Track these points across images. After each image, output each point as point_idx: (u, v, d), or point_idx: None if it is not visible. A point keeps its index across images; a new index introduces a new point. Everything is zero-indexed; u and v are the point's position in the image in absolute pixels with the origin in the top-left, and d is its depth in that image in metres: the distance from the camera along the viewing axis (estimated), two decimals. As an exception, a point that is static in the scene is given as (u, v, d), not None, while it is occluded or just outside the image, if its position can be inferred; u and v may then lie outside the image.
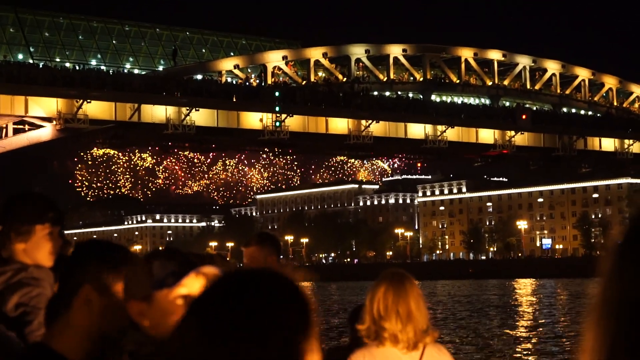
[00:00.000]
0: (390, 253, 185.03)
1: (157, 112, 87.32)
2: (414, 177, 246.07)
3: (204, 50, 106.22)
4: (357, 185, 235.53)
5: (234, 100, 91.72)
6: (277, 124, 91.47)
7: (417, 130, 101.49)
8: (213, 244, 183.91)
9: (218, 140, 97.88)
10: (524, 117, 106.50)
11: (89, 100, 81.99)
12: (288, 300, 1.50)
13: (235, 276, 1.52)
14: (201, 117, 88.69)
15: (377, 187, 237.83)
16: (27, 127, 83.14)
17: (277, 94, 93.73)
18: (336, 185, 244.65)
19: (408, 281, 4.78)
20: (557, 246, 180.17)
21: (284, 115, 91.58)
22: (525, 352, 32.80)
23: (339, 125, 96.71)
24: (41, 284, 3.88)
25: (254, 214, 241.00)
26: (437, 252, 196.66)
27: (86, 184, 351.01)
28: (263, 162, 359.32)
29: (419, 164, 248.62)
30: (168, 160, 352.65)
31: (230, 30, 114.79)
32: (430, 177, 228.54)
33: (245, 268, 1.57)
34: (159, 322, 3.06)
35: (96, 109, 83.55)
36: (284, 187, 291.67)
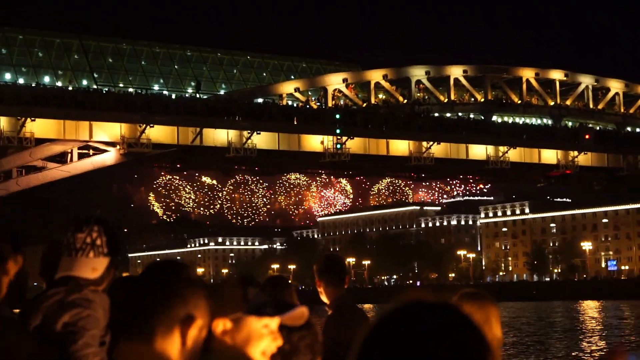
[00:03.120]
0: (453, 275, 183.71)
1: (219, 136, 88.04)
2: (476, 198, 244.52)
3: (264, 74, 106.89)
4: (418, 207, 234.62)
5: (295, 123, 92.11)
6: (338, 146, 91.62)
7: (478, 152, 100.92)
8: (275, 266, 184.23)
9: (279, 163, 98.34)
10: (587, 137, 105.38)
11: (151, 125, 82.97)
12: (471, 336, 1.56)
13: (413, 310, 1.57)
14: (262, 140, 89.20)
15: (438, 208, 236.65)
16: (91, 151, 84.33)
17: (337, 116, 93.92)
18: (398, 207, 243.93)
19: (480, 300, 4.71)
20: (622, 267, 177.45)
21: (344, 138, 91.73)
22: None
23: (400, 147, 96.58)
24: (92, 306, 3.99)
25: (315, 236, 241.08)
26: (500, 273, 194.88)
27: (153, 205, 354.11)
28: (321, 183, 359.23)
29: (480, 185, 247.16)
30: (230, 186, 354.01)
31: (290, 53, 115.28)
32: (492, 198, 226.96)
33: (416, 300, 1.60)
34: (239, 345, 3.11)
35: (159, 133, 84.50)
36: (351, 207, 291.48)
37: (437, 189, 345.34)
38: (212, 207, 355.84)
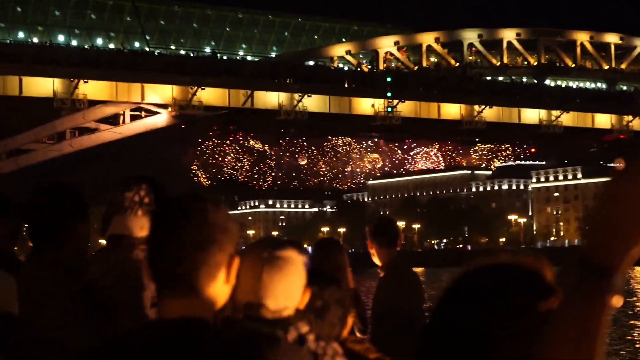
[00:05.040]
0: (504, 239, 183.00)
1: (270, 99, 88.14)
2: (528, 162, 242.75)
3: (315, 37, 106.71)
4: (469, 171, 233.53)
5: (346, 86, 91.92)
6: (389, 109, 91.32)
7: (531, 116, 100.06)
8: (325, 229, 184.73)
9: (330, 126, 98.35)
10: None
11: (203, 87, 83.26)
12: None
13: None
14: (313, 103, 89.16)
15: (489, 172, 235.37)
16: (143, 113, 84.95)
17: (388, 79, 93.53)
18: (448, 171, 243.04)
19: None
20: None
21: (395, 101, 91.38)
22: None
23: (451, 110, 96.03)
24: (141, 265, 3.96)
25: (366, 199, 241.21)
26: (552, 238, 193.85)
27: (199, 171, 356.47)
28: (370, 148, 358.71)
29: (533, 150, 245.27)
30: (280, 152, 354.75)
31: (342, 16, 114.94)
32: (544, 162, 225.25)
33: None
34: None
35: (210, 95, 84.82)
36: (402, 171, 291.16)
37: (488, 152, 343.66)
38: (261, 179, 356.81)
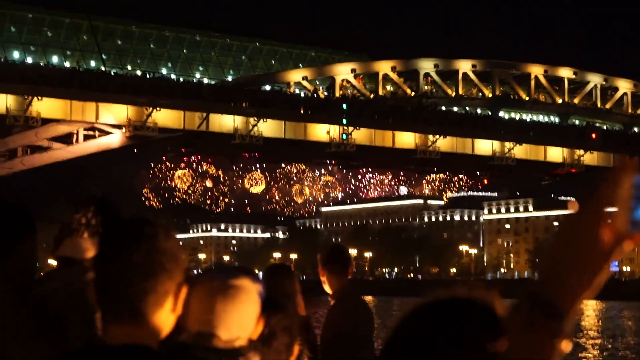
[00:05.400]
0: (454, 270, 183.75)
1: (225, 122, 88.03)
2: (480, 194, 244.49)
3: (273, 62, 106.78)
4: (422, 201, 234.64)
5: (302, 112, 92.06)
6: (344, 136, 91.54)
7: (484, 147, 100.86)
8: (277, 255, 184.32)
9: (285, 152, 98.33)
10: (593, 136, 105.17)
11: (158, 108, 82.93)
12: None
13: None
14: (269, 128, 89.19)
15: (442, 202, 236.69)
16: (97, 133, 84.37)
17: (344, 106, 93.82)
18: (401, 200, 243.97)
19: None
20: (624, 268, 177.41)
21: (350, 128, 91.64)
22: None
23: (406, 139, 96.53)
24: (89, 288, 3.89)
25: (318, 226, 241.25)
26: (502, 270, 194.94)
27: (151, 194, 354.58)
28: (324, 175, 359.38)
29: (485, 181, 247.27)
30: (233, 177, 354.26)
31: (300, 42, 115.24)
32: (496, 194, 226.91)
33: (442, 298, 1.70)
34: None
35: (165, 117, 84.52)
36: (354, 199, 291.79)
37: (441, 183, 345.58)
38: (214, 203, 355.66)
